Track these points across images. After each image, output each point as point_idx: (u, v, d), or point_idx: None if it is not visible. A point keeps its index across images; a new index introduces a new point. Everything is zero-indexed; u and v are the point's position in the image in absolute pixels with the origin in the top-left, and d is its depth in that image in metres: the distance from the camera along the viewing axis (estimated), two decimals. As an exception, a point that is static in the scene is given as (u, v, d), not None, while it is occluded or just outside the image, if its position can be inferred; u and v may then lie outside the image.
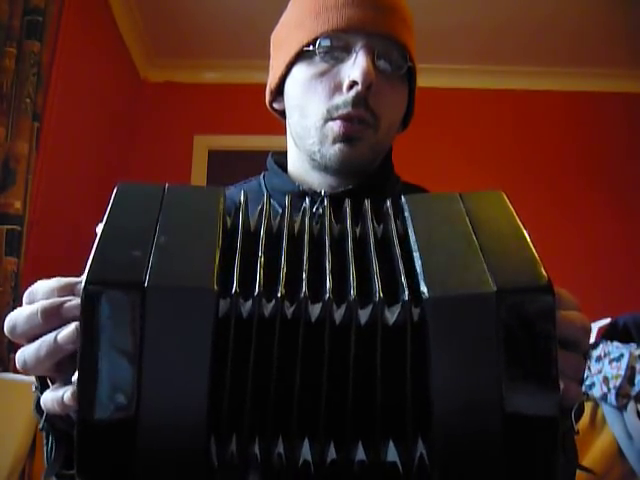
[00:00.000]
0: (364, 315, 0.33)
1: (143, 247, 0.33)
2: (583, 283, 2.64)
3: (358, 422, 0.32)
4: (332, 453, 0.32)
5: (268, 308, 0.33)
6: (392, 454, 0.33)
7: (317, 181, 0.65)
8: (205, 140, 3.05)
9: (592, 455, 1.34)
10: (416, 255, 0.35)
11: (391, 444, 0.33)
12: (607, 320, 1.52)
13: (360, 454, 0.32)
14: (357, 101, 0.59)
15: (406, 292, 0.33)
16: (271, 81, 0.68)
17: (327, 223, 0.40)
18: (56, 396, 0.33)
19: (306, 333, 0.32)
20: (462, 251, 0.36)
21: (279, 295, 0.33)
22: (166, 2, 2.67)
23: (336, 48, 0.61)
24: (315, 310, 0.33)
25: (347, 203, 0.43)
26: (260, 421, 0.32)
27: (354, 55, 0.59)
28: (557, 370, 0.31)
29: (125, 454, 0.30)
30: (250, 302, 0.32)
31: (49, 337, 0.33)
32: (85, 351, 0.30)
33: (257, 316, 0.32)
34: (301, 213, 0.42)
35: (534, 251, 0.35)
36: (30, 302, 0.35)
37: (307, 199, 0.42)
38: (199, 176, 2.98)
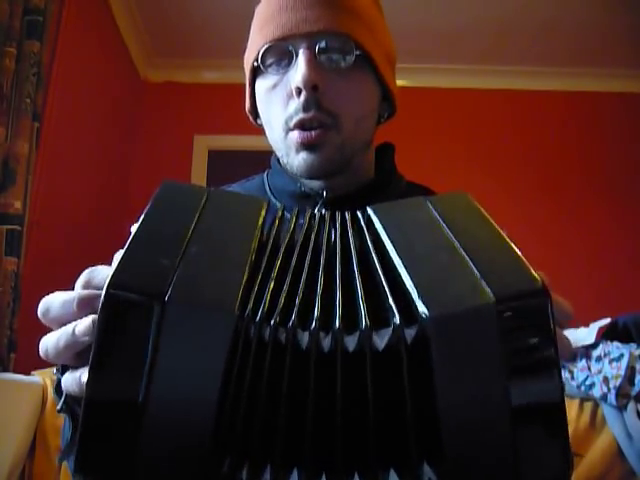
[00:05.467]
0: (352, 342, 0.32)
1: (173, 255, 0.33)
2: (583, 283, 2.64)
3: (352, 452, 0.31)
4: None
5: (267, 333, 0.32)
6: None
7: (313, 184, 0.65)
8: (205, 140, 3.05)
9: (592, 455, 1.34)
10: (403, 271, 0.34)
11: (392, 473, 0.32)
12: (607, 320, 1.52)
13: None
14: (306, 105, 0.58)
15: (396, 315, 0.32)
16: (246, 102, 0.69)
17: (325, 239, 0.39)
18: (74, 376, 0.33)
19: (295, 360, 0.32)
20: (448, 261, 0.34)
21: (272, 322, 0.32)
22: (166, 2, 2.67)
23: (282, 57, 0.60)
24: (305, 337, 0.32)
25: (337, 217, 0.42)
26: (249, 446, 0.32)
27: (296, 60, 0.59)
28: (559, 366, 0.31)
29: (127, 456, 0.30)
30: (253, 326, 0.32)
31: (68, 329, 0.33)
32: (98, 351, 0.30)
33: (257, 340, 0.32)
34: (315, 229, 0.41)
35: (518, 252, 0.34)
36: (86, 286, 0.35)
37: (308, 212, 0.42)
38: (199, 176, 2.98)
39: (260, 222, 0.38)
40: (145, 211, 0.36)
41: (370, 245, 0.38)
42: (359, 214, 0.42)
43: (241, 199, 0.42)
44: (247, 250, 0.35)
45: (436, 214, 0.39)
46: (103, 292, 0.30)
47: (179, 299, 0.30)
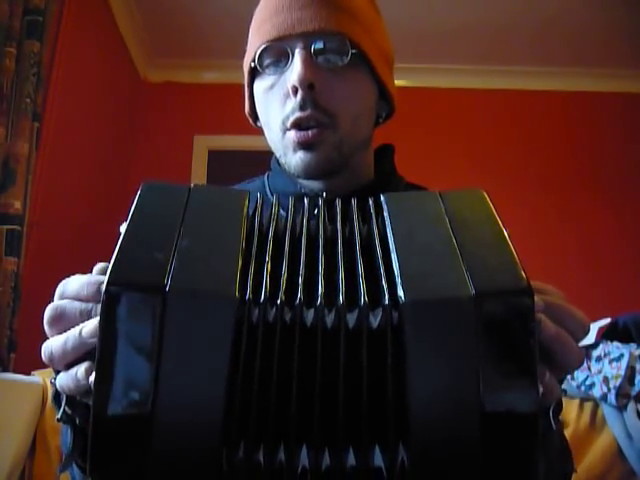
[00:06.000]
0: (351, 319, 0.33)
1: (166, 249, 0.33)
2: (583, 283, 2.64)
3: (349, 428, 0.32)
4: (326, 459, 0.32)
5: (271, 314, 0.33)
6: (378, 459, 0.33)
7: (313, 185, 0.65)
8: (205, 140, 3.05)
9: (592, 455, 1.34)
10: (394, 257, 0.35)
11: (377, 449, 0.33)
12: (607, 320, 1.52)
13: (351, 460, 0.32)
14: (303, 104, 0.58)
15: (386, 296, 0.33)
16: (246, 105, 0.69)
17: (321, 226, 0.41)
18: (70, 374, 0.34)
19: (302, 339, 0.33)
20: (441, 253, 0.35)
21: (279, 302, 0.33)
22: (166, 2, 2.67)
23: (278, 57, 0.60)
24: (309, 315, 0.33)
25: (337, 202, 0.43)
26: (264, 427, 0.32)
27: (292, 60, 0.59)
28: (535, 368, 0.32)
29: (139, 450, 0.30)
30: (257, 309, 0.32)
31: (75, 331, 0.33)
32: (103, 350, 0.30)
33: (262, 322, 0.32)
34: (301, 216, 0.43)
35: (514, 252, 0.35)
36: (61, 295, 0.36)
37: (306, 200, 0.43)
38: (199, 176, 2.98)
39: (245, 211, 0.39)
40: (131, 211, 0.37)
41: (375, 231, 0.39)
42: (371, 202, 0.43)
43: (222, 192, 0.43)
44: (237, 239, 0.36)
45: (443, 208, 0.40)
46: (103, 289, 0.30)
47: (180, 290, 0.31)
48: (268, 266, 0.35)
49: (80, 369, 0.33)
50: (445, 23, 2.77)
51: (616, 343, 1.43)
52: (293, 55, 0.59)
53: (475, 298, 0.31)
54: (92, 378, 0.31)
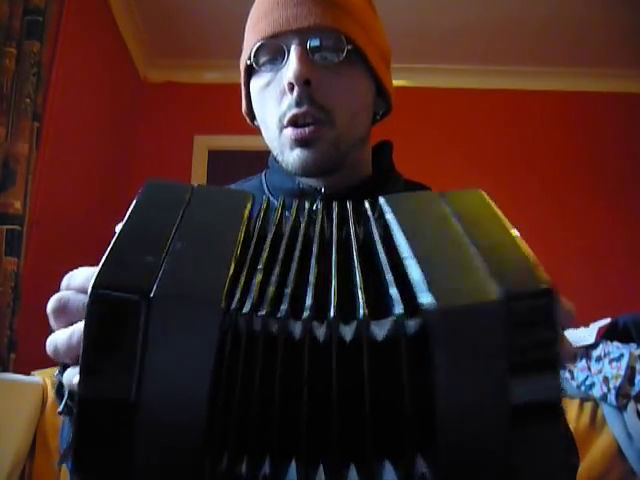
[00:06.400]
0: (349, 332, 0.31)
1: (158, 252, 0.32)
2: (583, 283, 2.64)
3: (348, 443, 0.31)
4: (321, 475, 0.31)
5: (258, 324, 0.31)
6: (390, 475, 0.31)
7: (311, 182, 0.65)
8: (205, 140, 3.05)
9: (592, 455, 1.34)
10: (412, 262, 0.33)
11: (387, 464, 0.31)
12: (607, 320, 1.52)
13: (353, 476, 0.31)
14: (299, 100, 0.58)
15: (396, 305, 0.31)
16: (242, 104, 0.69)
17: (318, 230, 0.39)
18: (77, 372, 0.33)
19: (288, 351, 0.31)
20: (458, 255, 0.34)
21: (264, 312, 0.31)
22: (166, 2, 2.67)
23: (274, 55, 0.60)
24: (298, 327, 0.31)
25: (335, 206, 0.42)
26: (247, 440, 0.32)
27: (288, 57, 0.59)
28: (559, 365, 0.31)
29: (123, 453, 0.30)
30: (243, 318, 0.31)
31: (81, 325, 0.33)
32: (88, 353, 0.30)
33: (246, 332, 0.31)
34: (302, 217, 0.42)
35: (529, 251, 0.34)
36: (67, 287, 0.36)
37: (307, 203, 0.42)
38: (199, 176, 2.98)
39: (246, 215, 0.38)
40: (129, 210, 0.36)
41: (376, 235, 0.38)
42: (367, 204, 0.42)
43: (225, 193, 0.42)
44: (233, 243, 0.35)
45: (449, 209, 0.38)
46: (89, 291, 0.30)
47: (165, 296, 0.30)
48: (260, 275, 0.34)
49: None
50: (444, 23, 2.77)
51: (616, 343, 1.43)
52: (289, 52, 0.59)
53: (503, 302, 0.30)
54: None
